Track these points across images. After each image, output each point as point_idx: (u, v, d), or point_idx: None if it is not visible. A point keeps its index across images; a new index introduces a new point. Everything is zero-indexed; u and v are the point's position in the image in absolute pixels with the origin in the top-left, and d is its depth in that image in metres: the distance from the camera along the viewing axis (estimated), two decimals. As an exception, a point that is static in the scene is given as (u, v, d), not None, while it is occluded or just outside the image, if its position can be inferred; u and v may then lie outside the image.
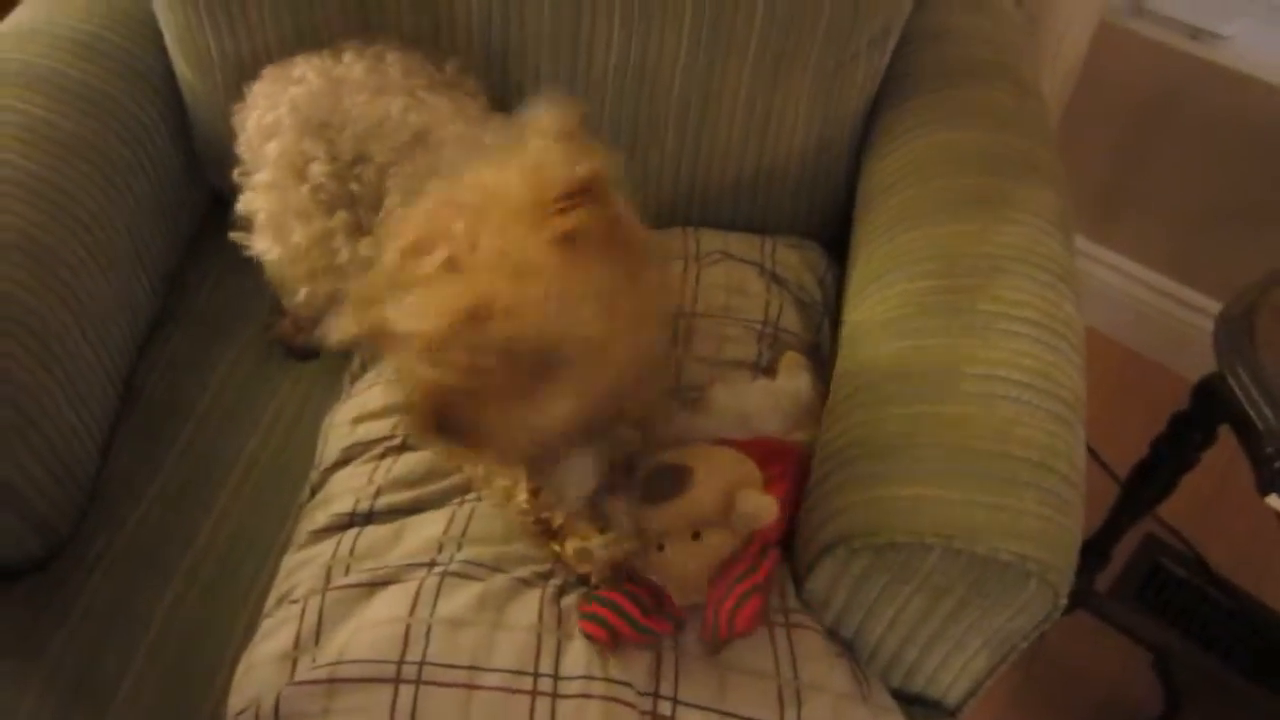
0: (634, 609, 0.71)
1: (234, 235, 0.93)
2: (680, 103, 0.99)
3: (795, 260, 1.04)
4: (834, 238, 1.07)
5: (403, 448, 0.84)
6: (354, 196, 0.84)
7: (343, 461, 0.85)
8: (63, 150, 0.92)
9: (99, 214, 0.94)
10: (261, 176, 0.88)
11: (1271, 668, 1.30)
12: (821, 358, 0.96)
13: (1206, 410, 0.96)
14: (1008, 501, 0.68)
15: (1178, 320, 1.60)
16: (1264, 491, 0.79)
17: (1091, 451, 1.37)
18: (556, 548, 0.76)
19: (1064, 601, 0.69)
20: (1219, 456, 1.06)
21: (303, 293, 0.90)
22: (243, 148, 0.92)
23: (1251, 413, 0.81)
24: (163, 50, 1.04)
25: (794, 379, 0.89)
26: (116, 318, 0.97)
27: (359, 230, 0.82)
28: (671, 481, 0.74)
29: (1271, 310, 0.85)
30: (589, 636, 0.70)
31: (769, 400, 0.86)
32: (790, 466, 0.78)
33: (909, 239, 0.87)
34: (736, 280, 0.99)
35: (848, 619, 0.76)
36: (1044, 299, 0.80)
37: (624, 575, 0.74)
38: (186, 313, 1.06)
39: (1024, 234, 0.85)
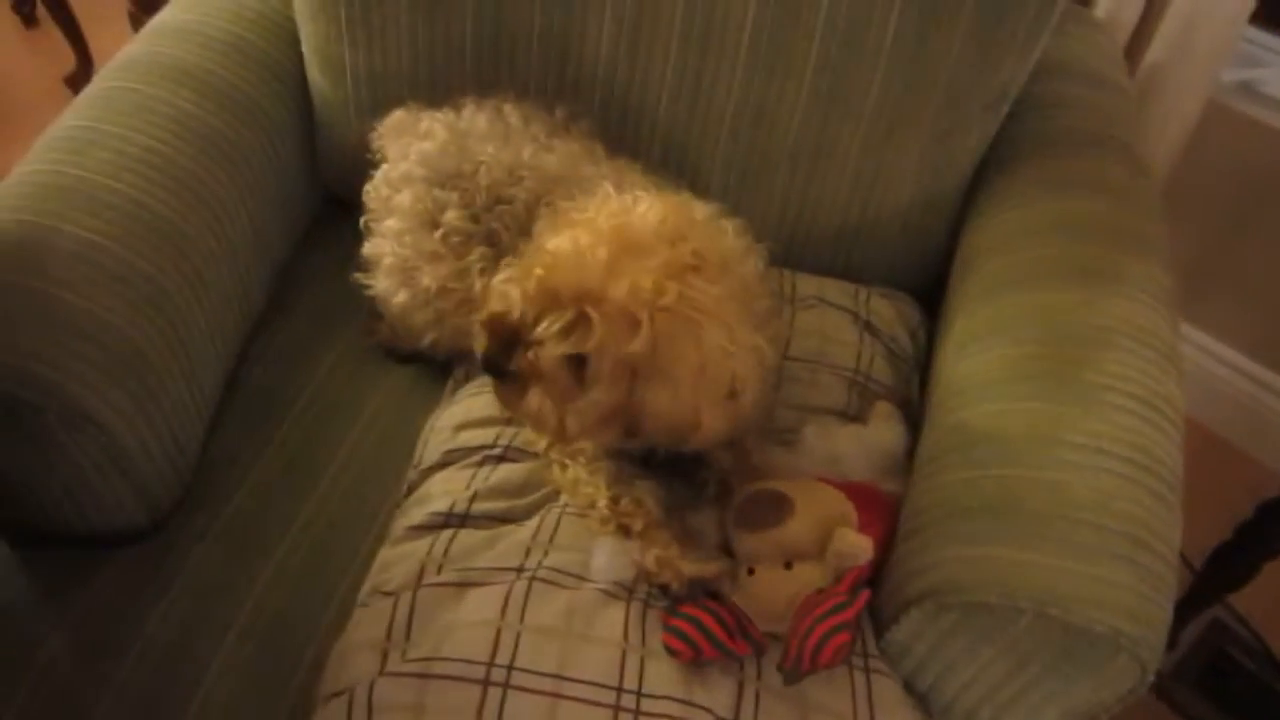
0: (717, 627, 0.72)
1: (357, 276, 0.97)
2: (792, 151, 1.02)
3: (889, 311, 1.05)
4: (927, 293, 1.08)
5: (502, 458, 0.87)
6: (494, 234, 0.89)
7: (442, 464, 0.88)
8: (205, 144, 0.98)
9: (230, 205, 0.99)
10: (391, 223, 0.93)
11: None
12: (910, 411, 0.97)
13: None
14: (1103, 573, 0.68)
15: (1264, 406, 1.58)
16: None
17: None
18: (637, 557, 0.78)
19: (1151, 679, 0.69)
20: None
21: (428, 339, 0.95)
22: (370, 196, 0.96)
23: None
24: (300, 55, 1.10)
25: (885, 428, 0.90)
26: (232, 305, 1.01)
27: (499, 260, 0.86)
28: (772, 508, 0.75)
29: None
30: (670, 650, 0.71)
31: (859, 446, 0.87)
32: (883, 514, 0.79)
33: (1013, 302, 0.88)
34: (830, 327, 1.01)
35: (924, 672, 0.76)
36: (1148, 375, 0.80)
37: (706, 592, 0.76)
38: (294, 306, 1.10)
39: (1132, 309, 0.85)
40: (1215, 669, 1.37)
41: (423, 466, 0.90)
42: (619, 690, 0.69)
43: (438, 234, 0.89)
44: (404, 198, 0.92)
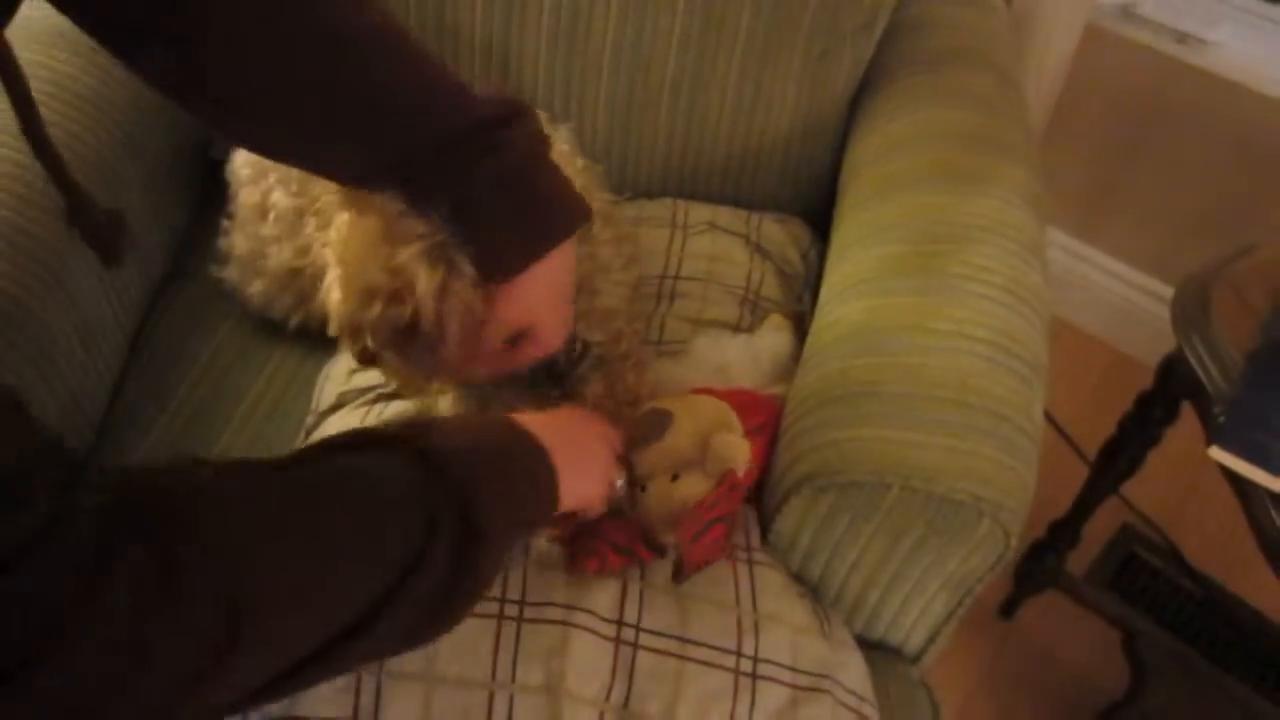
0: (620, 536, 0.74)
1: (214, 270, 1.01)
2: (673, 82, 1.04)
3: (779, 234, 1.08)
4: (819, 216, 1.12)
5: (394, 396, 0.88)
6: (318, 201, 0.89)
7: (337, 406, 0.90)
8: (87, 106, 0.97)
9: (117, 169, 0.99)
10: (237, 220, 0.98)
11: (1237, 655, 1.33)
12: (803, 327, 1.00)
13: (1168, 386, 1.00)
14: (964, 445, 0.72)
15: (1160, 320, 1.63)
16: (1208, 444, 0.83)
17: (1066, 438, 1.42)
18: None
19: (1014, 542, 0.73)
20: (1195, 453, 1.09)
21: (294, 321, 0.99)
22: (231, 198, 0.99)
23: (1204, 379, 0.85)
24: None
25: (775, 337, 0.93)
26: (128, 268, 1.02)
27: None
28: (654, 424, 0.78)
29: (1226, 284, 0.89)
30: (579, 567, 0.73)
31: (748, 354, 0.90)
32: (768, 419, 0.82)
33: (884, 209, 0.92)
34: (721, 249, 1.04)
35: (813, 561, 0.80)
36: (1011, 266, 0.84)
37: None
38: (196, 270, 1.10)
39: (995, 207, 0.89)
40: (1126, 569, 1.43)
41: (319, 410, 0.91)
42: (502, 600, 0.71)
43: (270, 218, 0.92)
44: (243, 194, 0.96)
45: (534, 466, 0.64)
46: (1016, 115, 1.02)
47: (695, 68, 1.04)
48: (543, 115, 0.76)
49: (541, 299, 0.73)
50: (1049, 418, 1.47)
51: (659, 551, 0.76)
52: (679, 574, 0.74)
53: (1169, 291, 1.64)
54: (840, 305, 0.85)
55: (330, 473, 0.55)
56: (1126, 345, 1.70)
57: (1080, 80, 1.52)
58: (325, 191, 0.87)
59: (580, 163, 0.93)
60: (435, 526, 0.53)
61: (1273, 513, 0.80)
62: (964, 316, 0.79)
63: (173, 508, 0.46)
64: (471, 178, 0.67)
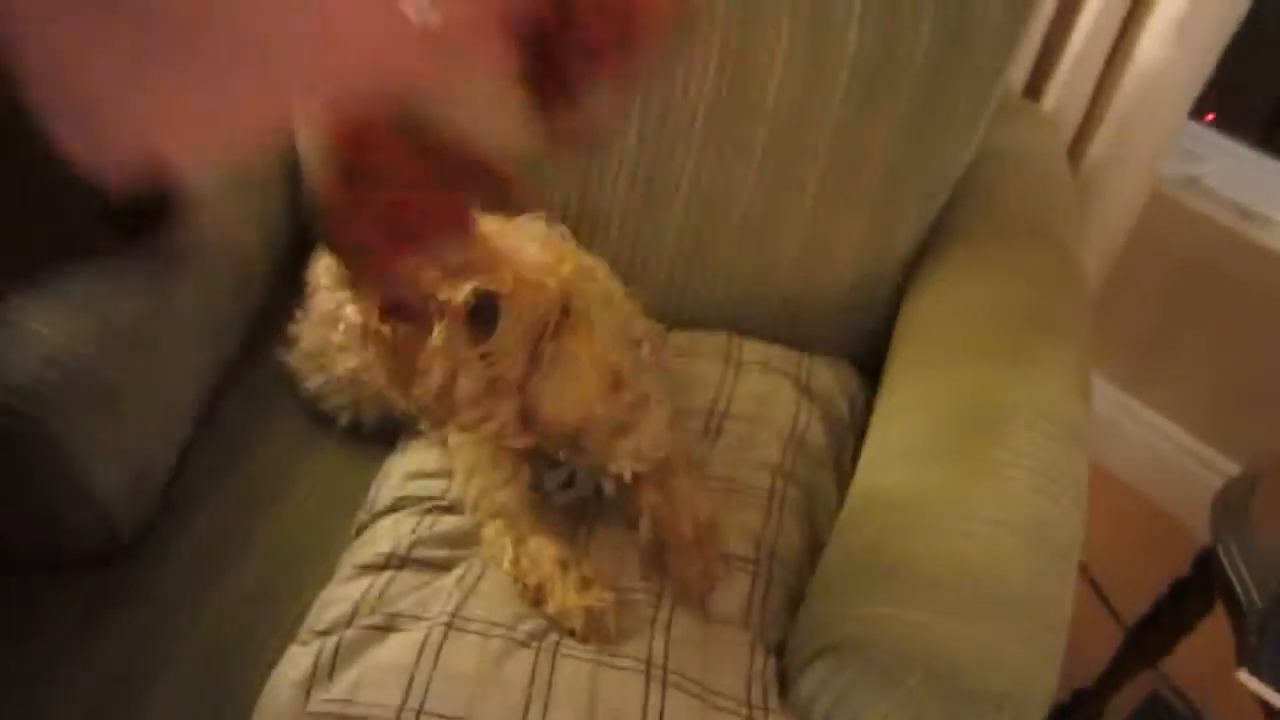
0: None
1: (280, 352, 1.06)
2: (742, 224, 1.09)
3: (829, 378, 1.11)
4: (869, 359, 1.14)
5: (448, 510, 0.92)
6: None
7: (392, 509, 0.93)
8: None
9: (213, 254, 1.05)
10: (309, 318, 1.03)
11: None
12: (843, 473, 1.02)
13: (1204, 580, 1.00)
14: (990, 636, 0.73)
15: (1202, 482, 1.63)
16: (1238, 664, 0.83)
17: (1102, 598, 1.41)
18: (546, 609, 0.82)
19: (1032, 740, 0.73)
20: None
21: (344, 419, 1.03)
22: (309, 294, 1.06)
23: (1236, 588, 0.86)
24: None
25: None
26: (209, 346, 1.07)
27: None
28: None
29: (1268, 491, 0.90)
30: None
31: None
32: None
33: (933, 378, 0.94)
34: (770, 389, 1.07)
35: (830, 726, 0.81)
36: (1053, 453, 0.86)
37: None
38: (266, 348, 1.15)
39: (1043, 390, 0.91)
40: (1151, 741, 1.41)
41: (374, 510, 0.95)
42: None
43: (340, 328, 0.96)
44: (317, 298, 1.02)
45: None
46: (1073, 293, 1.04)
47: (765, 213, 1.08)
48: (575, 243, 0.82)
49: None
50: (1084, 573, 1.46)
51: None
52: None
53: (1214, 455, 1.67)
54: (880, 474, 0.87)
55: None
56: (1168, 503, 1.69)
57: (1142, 240, 1.54)
58: None
59: (621, 290, 0.96)
60: None
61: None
62: (1003, 502, 0.81)
63: None
64: None
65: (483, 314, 0.72)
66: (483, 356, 0.73)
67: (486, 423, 0.77)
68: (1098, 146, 1.37)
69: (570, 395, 0.76)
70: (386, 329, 0.73)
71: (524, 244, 0.76)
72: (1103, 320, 1.03)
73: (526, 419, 0.77)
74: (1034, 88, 1.38)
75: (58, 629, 0.89)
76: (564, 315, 0.75)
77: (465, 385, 0.73)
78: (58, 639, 0.88)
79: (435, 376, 0.72)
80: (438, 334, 0.72)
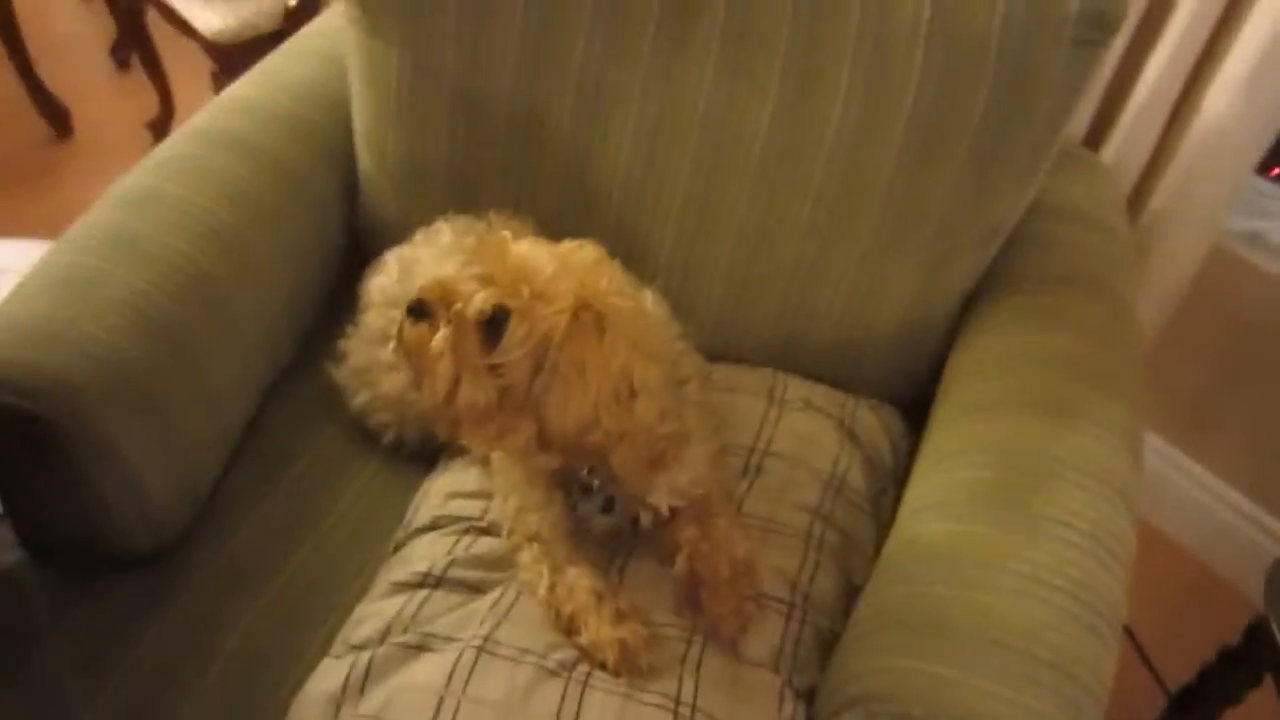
0: None
1: (329, 366, 1.08)
2: (791, 267, 1.08)
3: (873, 421, 1.10)
4: (916, 407, 1.13)
5: (485, 531, 0.93)
6: None
7: (430, 528, 0.94)
8: (254, 210, 1.07)
9: (270, 269, 1.08)
10: (360, 334, 1.06)
11: None
12: (881, 519, 1.01)
13: (1254, 650, 0.97)
14: (1025, 699, 0.72)
15: (1255, 545, 1.58)
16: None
17: (1146, 662, 1.37)
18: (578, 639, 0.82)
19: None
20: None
21: (388, 438, 1.05)
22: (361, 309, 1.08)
23: (1288, 665, 0.83)
24: (352, 136, 1.20)
25: None
26: (262, 359, 1.10)
27: None
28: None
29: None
30: None
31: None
32: None
33: (979, 429, 0.93)
34: (813, 430, 1.06)
35: (857, 778, 0.79)
36: (1099, 512, 0.84)
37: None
38: (315, 364, 1.18)
39: (1091, 445, 0.89)
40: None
41: (412, 527, 0.96)
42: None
43: (390, 346, 0.98)
44: (369, 316, 1.04)
45: None
46: (1127, 349, 1.02)
47: (817, 253, 1.08)
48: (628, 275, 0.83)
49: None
50: (1128, 634, 1.43)
51: None
52: None
53: (1267, 518, 1.62)
54: (919, 523, 0.86)
55: None
56: (1218, 564, 1.64)
57: (1200, 294, 1.51)
58: None
59: (671, 325, 0.97)
60: None
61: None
62: (1044, 561, 0.79)
63: None
64: None
65: (495, 325, 0.75)
66: (491, 368, 0.75)
67: (507, 437, 0.80)
68: (1158, 199, 1.34)
69: (574, 402, 0.76)
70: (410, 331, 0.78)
71: (551, 262, 0.77)
72: (1157, 374, 1.00)
73: (542, 434, 0.78)
74: (1094, 137, 1.36)
75: (96, 628, 0.91)
76: (574, 320, 0.75)
77: (468, 393, 0.76)
78: (95, 638, 0.90)
79: (441, 379, 0.76)
80: (442, 338, 0.76)
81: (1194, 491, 1.64)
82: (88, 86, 2.49)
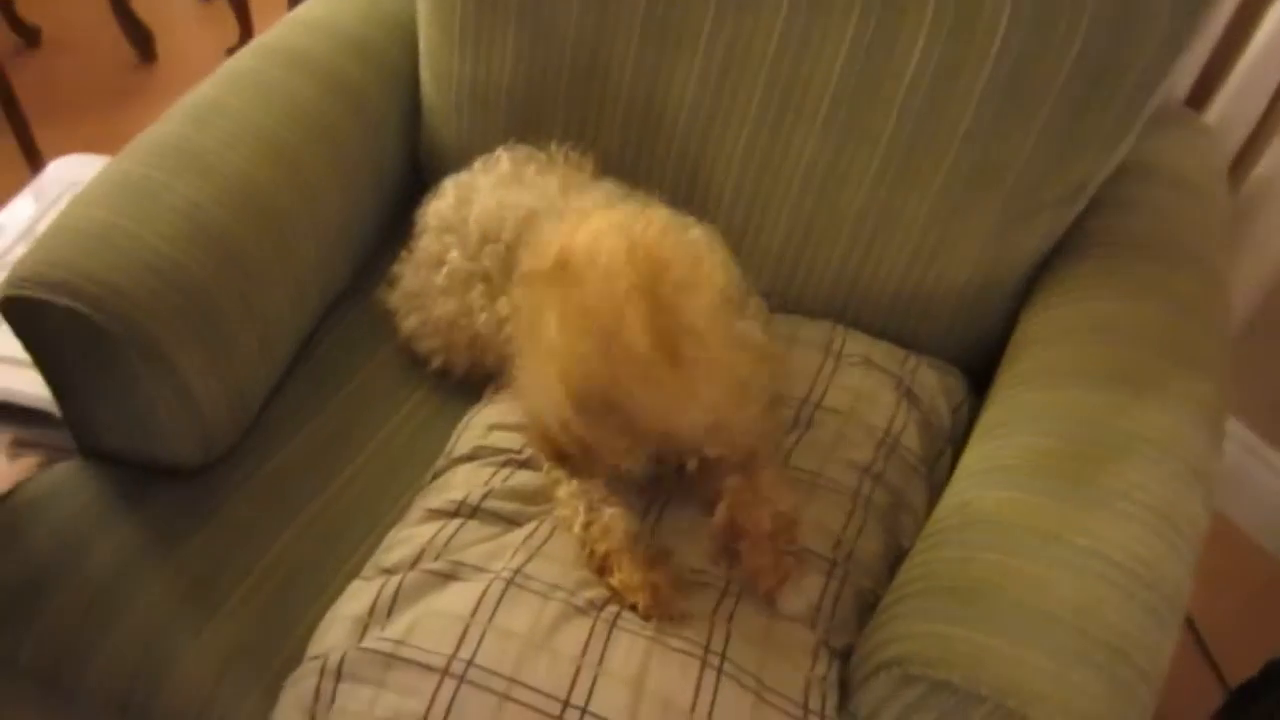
0: None
1: (381, 290, 1.08)
2: (857, 215, 1.04)
3: (934, 382, 1.05)
4: (979, 368, 1.08)
5: (524, 464, 0.91)
6: (487, 271, 0.97)
7: (469, 458, 0.93)
8: (313, 127, 1.06)
9: (327, 187, 1.07)
10: (414, 259, 1.05)
11: None
12: (933, 482, 0.97)
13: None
14: (1073, 676, 0.68)
15: (1338, 549, 1.49)
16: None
17: (1206, 654, 1.31)
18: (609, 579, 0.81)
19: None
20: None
21: (436, 362, 1.04)
22: (416, 235, 1.06)
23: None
24: (416, 58, 1.18)
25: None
26: (315, 280, 1.09)
27: (494, 296, 0.96)
28: None
29: None
30: None
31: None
32: None
33: (1046, 395, 0.88)
34: (870, 387, 1.02)
35: (887, 744, 0.76)
36: (1172, 490, 0.79)
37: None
38: (371, 290, 1.17)
39: (1168, 421, 0.84)
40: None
41: (452, 456, 0.95)
42: (565, 704, 0.72)
43: (443, 271, 0.98)
44: (423, 240, 1.03)
45: None
46: (1215, 325, 0.96)
47: (885, 203, 1.03)
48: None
49: None
50: (1190, 625, 1.37)
51: None
52: None
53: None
54: (976, 488, 0.82)
55: None
56: (1293, 562, 1.56)
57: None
58: (493, 259, 0.92)
59: (731, 268, 0.92)
60: None
61: None
62: (1107, 535, 0.74)
63: None
64: None
65: None
66: None
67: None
68: (1264, 167, 1.25)
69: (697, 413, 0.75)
70: None
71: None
72: (1245, 357, 0.93)
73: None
74: (1198, 97, 1.27)
75: (144, 531, 0.92)
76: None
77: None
78: (143, 541, 0.92)
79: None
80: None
81: (1274, 484, 1.55)
82: (173, 13, 2.53)
